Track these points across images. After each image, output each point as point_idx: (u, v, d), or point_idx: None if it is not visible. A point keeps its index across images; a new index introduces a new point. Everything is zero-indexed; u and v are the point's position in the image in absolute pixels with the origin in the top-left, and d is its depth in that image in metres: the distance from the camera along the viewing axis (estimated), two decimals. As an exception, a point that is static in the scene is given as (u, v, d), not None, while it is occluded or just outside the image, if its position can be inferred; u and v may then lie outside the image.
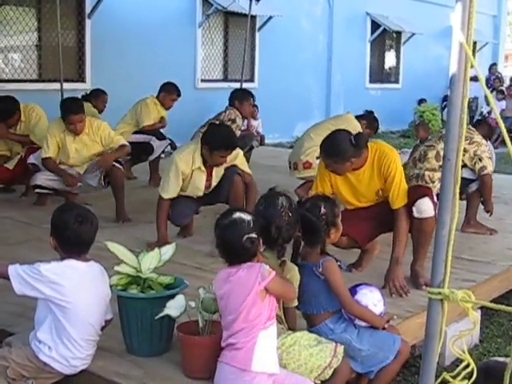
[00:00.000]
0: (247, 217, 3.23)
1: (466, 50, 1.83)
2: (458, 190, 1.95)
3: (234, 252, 3.19)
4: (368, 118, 7.43)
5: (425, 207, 4.60)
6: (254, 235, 3.18)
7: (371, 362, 3.53)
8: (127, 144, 6.86)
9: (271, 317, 3.18)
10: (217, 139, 5.45)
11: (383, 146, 4.75)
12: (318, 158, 6.48)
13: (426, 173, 5.93)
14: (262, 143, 13.46)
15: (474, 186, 6.31)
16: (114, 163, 6.61)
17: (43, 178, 6.74)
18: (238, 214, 3.24)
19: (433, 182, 5.82)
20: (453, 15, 1.90)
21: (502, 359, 2.36)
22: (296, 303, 3.50)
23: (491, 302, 4.88)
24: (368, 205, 4.80)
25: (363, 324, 3.58)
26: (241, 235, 3.15)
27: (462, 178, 6.30)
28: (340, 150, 4.54)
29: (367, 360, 3.52)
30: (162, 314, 3.40)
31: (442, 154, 6.14)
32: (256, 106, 11.56)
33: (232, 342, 3.14)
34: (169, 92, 8.85)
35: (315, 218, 3.62)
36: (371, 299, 3.59)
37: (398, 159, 4.67)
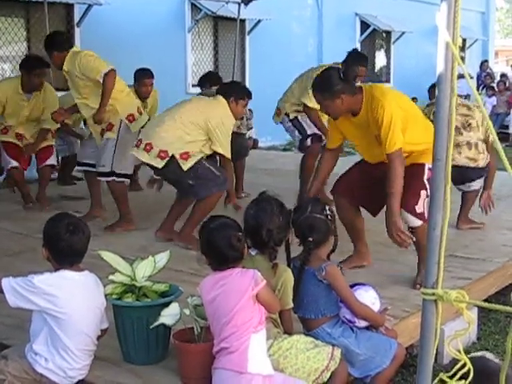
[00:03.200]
0: (231, 221, 3.34)
1: (453, 49, 1.82)
2: (448, 190, 1.94)
3: (222, 254, 3.21)
4: (346, 61, 6.91)
5: (408, 219, 4.61)
6: (239, 233, 3.24)
7: (368, 367, 3.53)
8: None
9: (262, 321, 3.19)
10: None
11: (376, 89, 4.64)
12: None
13: (480, 143, 6.14)
14: (255, 147, 13.47)
15: (475, 185, 6.32)
16: (105, 178, 6.49)
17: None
18: (222, 219, 3.35)
19: (483, 153, 6.13)
20: (438, 14, 1.90)
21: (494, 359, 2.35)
22: (291, 305, 3.50)
23: (488, 298, 4.94)
24: (373, 149, 4.72)
25: (363, 324, 3.59)
26: (228, 235, 3.20)
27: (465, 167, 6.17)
28: (329, 84, 4.55)
29: (364, 365, 3.53)
30: (156, 323, 3.39)
31: (479, 124, 6.08)
32: (251, 111, 11.52)
33: (225, 347, 3.15)
34: (139, 77, 8.45)
35: (323, 217, 3.62)
36: (368, 298, 3.60)
37: (388, 103, 4.49)
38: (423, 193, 4.63)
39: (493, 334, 4.94)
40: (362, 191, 4.81)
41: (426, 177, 4.62)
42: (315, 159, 6.90)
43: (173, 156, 5.64)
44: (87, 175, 6.85)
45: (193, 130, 5.66)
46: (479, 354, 2.48)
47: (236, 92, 5.99)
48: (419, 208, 4.61)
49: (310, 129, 7.22)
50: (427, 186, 4.57)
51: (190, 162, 5.68)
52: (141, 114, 6.57)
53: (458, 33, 1.88)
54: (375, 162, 4.80)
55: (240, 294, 3.14)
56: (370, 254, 5.10)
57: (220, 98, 5.87)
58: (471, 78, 6.11)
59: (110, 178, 6.41)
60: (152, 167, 5.85)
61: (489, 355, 2.45)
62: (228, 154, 5.82)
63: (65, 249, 3.31)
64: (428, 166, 4.59)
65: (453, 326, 4.31)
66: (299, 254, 3.66)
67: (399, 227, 4.48)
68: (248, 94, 6.11)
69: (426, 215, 4.60)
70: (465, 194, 6.39)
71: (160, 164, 5.68)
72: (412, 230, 4.62)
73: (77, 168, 7.14)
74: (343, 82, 4.52)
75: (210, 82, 7.81)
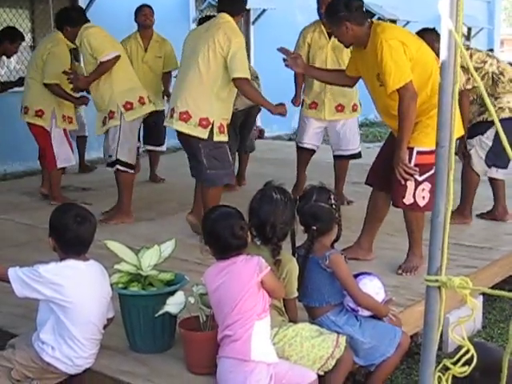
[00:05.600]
0: (233, 209, 3.35)
1: (455, 37, 1.83)
2: (452, 177, 1.95)
3: (226, 242, 3.22)
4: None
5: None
6: (242, 221, 3.26)
7: (373, 356, 3.54)
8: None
9: (265, 309, 3.20)
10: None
11: (380, 25, 4.65)
12: None
13: None
14: (261, 137, 13.45)
15: (497, 172, 6.12)
16: (112, 168, 6.43)
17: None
18: (224, 208, 3.38)
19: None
20: (441, 2, 1.90)
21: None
22: (296, 294, 3.51)
23: (493, 287, 4.94)
24: (372, 86, 4.75)
25: (366, 313, 3.60)
26: (230, 224, 3.21)
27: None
28: (333, 10, 4.72)
29: (369, 353, 3.53)
30: (161, 312, 3.41)
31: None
32: None
33: (228, 334, 3.17)
34: (137, 11, 8.30)
35: (328, 206, 3.62)
36: (372, 288, 3.60)
37: (387, 38, 4.48)
38: (410, 183, 4.60)
39: (498, 323, 4.95)
40: (386, 173, 4.79)
41: (412, 164, 4.58)
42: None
43: (212, 124, 5.38)
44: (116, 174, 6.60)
45: (219, 74, 5.32)
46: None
47: (241, 7, 5.71)
48: (408, 200, 4.64)
49: None
50: (414, 173, 4.58)
51: (222, 137, 5.46)
52: (143, 104, 6.41)
53: (461, 20, 1.88)
54: (381, 113, 4.88)
55: (245, 281, 3.15)
56: (373, 252, 5.10)
57: (223, 16, 5.51)
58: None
59: (114, 167, 6.38)
60: (189, 137, 5.47)
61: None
62: (245, 74, 5.33)
63: (72, 239, 3.33)
64: (417, 149, 4.57)
65: (458, 314, 4.31)
66: (303, 242, 3.66)
67: (403, 160, 4.50)
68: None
69: (419, 203, 4.61)
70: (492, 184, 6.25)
71: (205, 134, 5.37)
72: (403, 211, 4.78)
73: (107, 169, 6.77)
74: (348, 10, 4.60)
75: None
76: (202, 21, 7.05)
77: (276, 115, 5.56)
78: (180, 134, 5.53)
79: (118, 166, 6.35)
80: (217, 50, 5.30)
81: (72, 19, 6.54)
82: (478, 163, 6.00)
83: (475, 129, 5.93)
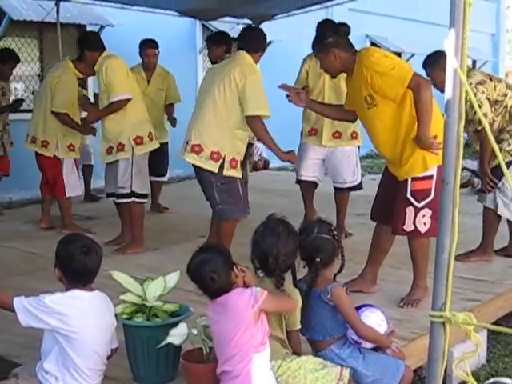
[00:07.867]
0: (213, 254, 3.30)
1: (460, 75, 1.86)
2: (456, 213, 1.96)
3: (205, 289, 3.25)
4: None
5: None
6: (213, 273, 3.20)
7: None
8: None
9: (263, 341, 3.18)
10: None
11: (364, 49, 4.75)
12: None
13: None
14: (266, 167, 13.52)
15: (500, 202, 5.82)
16: (126, 200, 6.43)
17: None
18: (202, 255, 3.29)
19: None
20: (446, 42, 1.94)
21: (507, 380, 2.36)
22: (299, 326, 3.50)
23: (497, 320, 4.93)
24: (360, 112, 4.79)
25: (369, 345, 3.59)
26: (204, 273, 3.21)
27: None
28: (320, 36, 4.77)
29: (372, 387, 3.52)
30: (164, 343, 3.40)
31: None
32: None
33: (227, 370, 3.15)
34: (141, 48, 8.44)
35: (330, 237, 3.63)
36: (375, 320, 3.60)
37: (373, 54, 4.56)
38: (409, 209, 4.62)
39: (502, 357, 4.92)
40: (388, 206, 4.82)
41: (409, 191, 4.61)
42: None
43: (224, 158, 5.41)
44: (118, 204, 6.67)
45: (235, 110, 5.40)
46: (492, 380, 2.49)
47: (260, 45, 5.90)
48: (408, 226, 4.65)
49: None
50: (412, 201, 4.59)
51: (233, 172, 5.46)
52: (151, 140, 6.47)
53: (465, 59, 1.91)
54: (373, 141, 4.85)
55: (240, 314, 3.14)
56: (377, 285, 5.10)
57: (242, 53, 5.67)
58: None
59: (130, 200, 6.37)
60: (201, 169, 5.49)
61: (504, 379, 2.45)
62: (257, 111, 5.41)
63: (78, 270, 3.32)
64: (411, 176, 4.60)
65: (462, 348, 4.30)
66: (305, 275, 3.66)
67: (431, 140, 4.42)
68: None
69: (420, 230, 4.62)
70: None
71: (215, 168, 5.40)
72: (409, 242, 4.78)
73: (108, 199, 6.90)
74: (336, 35, 4.64)
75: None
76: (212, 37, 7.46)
77: (285, 162, 5.53)
78: (195, 167, 5.56)
79: (135, 199, 6.37)
80: (232, 85, 5.37)
81: (90, 42, 6.61)
82: (506, 210, 5.85)
83: (492, 176, 5.71)
